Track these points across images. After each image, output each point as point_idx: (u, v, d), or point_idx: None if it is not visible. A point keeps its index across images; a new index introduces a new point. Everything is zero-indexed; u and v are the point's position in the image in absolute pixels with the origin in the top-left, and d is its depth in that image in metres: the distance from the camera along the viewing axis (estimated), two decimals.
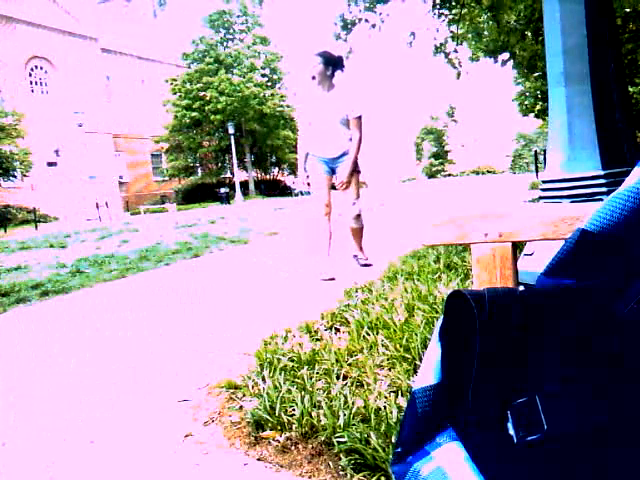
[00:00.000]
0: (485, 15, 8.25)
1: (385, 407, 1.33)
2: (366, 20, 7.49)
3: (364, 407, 1.35)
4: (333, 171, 3.71)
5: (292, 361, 1.75)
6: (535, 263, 1.75)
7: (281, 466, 1.22)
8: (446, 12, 8.05)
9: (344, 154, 3.64)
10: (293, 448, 1.28)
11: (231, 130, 25.34)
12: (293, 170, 33.37)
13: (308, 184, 3.80)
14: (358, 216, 3.78)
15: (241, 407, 1.54)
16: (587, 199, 1.92)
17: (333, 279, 3.48)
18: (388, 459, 1.09)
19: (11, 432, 1.57)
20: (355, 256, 4.00)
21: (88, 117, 26.27)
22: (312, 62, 3.59)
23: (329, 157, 3.67)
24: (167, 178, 31.06)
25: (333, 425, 1.27)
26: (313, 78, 3.59)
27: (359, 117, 3.59)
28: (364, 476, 1.12)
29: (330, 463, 1.20)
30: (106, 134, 28.08)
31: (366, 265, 3.84)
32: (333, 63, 3.61)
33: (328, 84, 3.61)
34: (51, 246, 7.84)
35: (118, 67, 30.51)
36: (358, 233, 3.89)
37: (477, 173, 48.10)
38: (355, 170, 3.67)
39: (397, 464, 0.51)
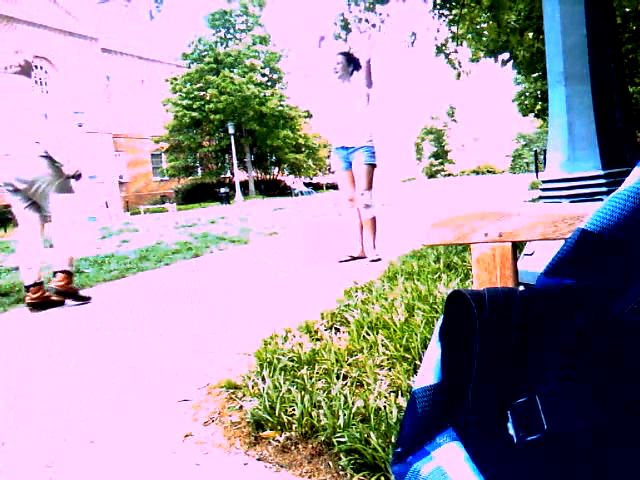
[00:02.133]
0: (485, 15, 8.24)
1: (385, 407, 1.33)
2: (366, 20, 7.48)
3: (364, 407, 1.35)
4: (351, 164, 4.09)
5: (292, 361, 1.75)
6: (535, 263, 1.75)
7: (281, 466, 1.23)
8: (446, 12, 8.04)
9: (358, 148, 4.00)
10: (293, 448, 1.28)
11: (231, 130, 25.35)
12: (293, 170, 33.40)
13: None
14: (367, 206, 4.04)
15: (241, 407, 1.54)
16: (587, 199, 1.92)
17: (355, 258, 4.12)
18: (388, 459, 1.09)
19: (11, 432, 1.57)
20: (353, 257, 4.10)
21: (88, 117, 26.27)
22: (335, 60, 4.06)
23: (346, 145, 4.05)
24: (167, 178, 31.07)
25: (333, 425, 1.27)
26: (336, 72, 4.06)
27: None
28: (364, 476, 1.12)
29: (330, 463, 1.20)
30: (106, 134, 28.07)
31: (374, 260, 4.00)
32: (353, 62, 4.09)
33: (347, 80, 4.07)
34: (51, 246, 7.83)
35: (118, 67, 30.51)
36: (369, 224, 4.10)
37: (477, 173, 48.14)
38: (370, 164, 4.03)
39: (397, 464, 0.51)
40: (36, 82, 25.43)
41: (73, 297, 3.51)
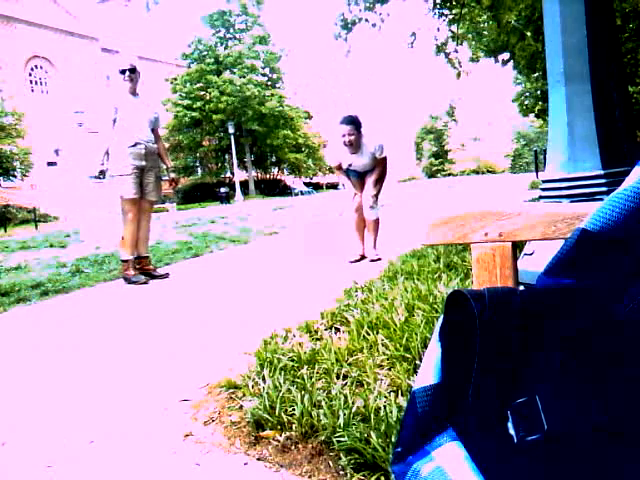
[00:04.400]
0: (485, 15, 8.25)
1: (385, 407, 1.33)
2: (366, 20, 7.49)
3: (364, 407, 1.35)
4: (363, 176, 4.25)
5: (292, 361, 1.76)
6: (535, 263, 1.75)
7: (281, 466, 1.23)
8: (446, 12, 8.05)
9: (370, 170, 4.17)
10: (293, 448, 1.28)
11: (231, 130, 25.36)
12: (293, 170, 33.40)
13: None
14: (372, 207, 4.15)
15: (241, 407, 1.54)
16: (587, 199, 1.92)
17: (364, 257, 4.22)
18: (388, 459, 1.09)
19: (11, 432, 1.57)
20: (363, 256, 4.24)
21: (88, 117, 26.25)
22: (343, 130, 3.95)
23: (361, 172, 4.21)
24: (167, 178, 31.02)
25: (333, 425, 1.27)
26: (350, 145, 3.98)
27: (383, 158, 4.12)
28: (364, 476, 1.12)
29: (330, 463, 1.20)
30: None
31: (373, 260, 4.07)
32: (360, 125, 4.01)
33: (359, 146, 4.04)
34: (51, 246, 7.84)
35: (118, 67, 30.47)
36: (372, 226, 4.21)
37: (477, 173, 48.12)
38: (383, 171, 4.21)
39: (397, 464, 0.51)
40: (36, 82, 25.48)
41: (151, 276, 4.20)
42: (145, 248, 4.32)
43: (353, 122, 3.93)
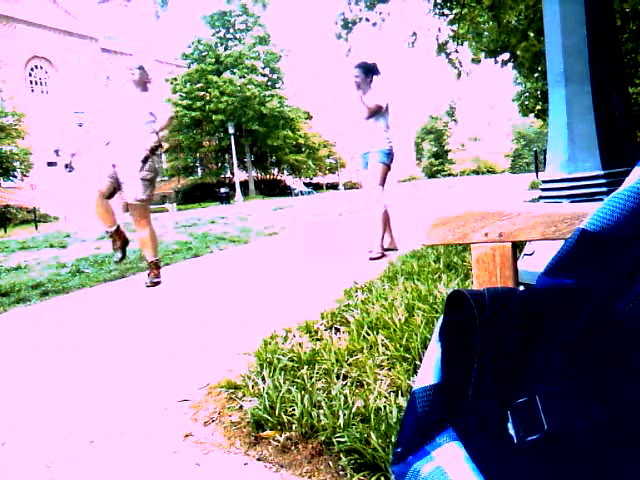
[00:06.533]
0: (485, 15, 8.24)
1: (385, 407, 1.33)
2: (367, 19, 7.49)
3: (364, 407, 1.35)
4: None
5: (292, 361, 1.75)
6: (535, 263, 1.75)
7: (281, 466, 1.23)
8: (447, 12, 8.05)
9: (374, 150, 4.17)
10: (293, 448, 1.28)
11: (231, 130, 25.37)
12: (293, 170, 33.44)
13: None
14: (378, 201, 4.16)
15: (241, 407, 1.54)
16: (587, 199, 1.92)
17: (384, 256, 4.08)
18: (388, 459, 1.09)
19: (11, 432, 1.57)
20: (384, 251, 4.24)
21: (88, 117, 26.24)
22: (353, 73, 4.14)
23: (364, 152, 4.26)
24: (167, 178, 31.05)
25: (333, 425, 1.27)
26: (358, 87, 4.12)
27: (377, 106, 4.10)
28: (364, 476, 1.12)
29: (330, 463, 1.20)
30: None
31: (373, 259, 4.03)
32: (371, 71, 4.16)
33: (369, 89, 4.13)
34: (51, 246, 7.84)
35: (118, 67, 30.49)
36: (378, 220, 4.20)
37: (477, 173, 48.14)
38: (383, 162, 4.18)
39: (397, 464, 0.51)
40: (36, 82, 25.49)
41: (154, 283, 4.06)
42: (151, 253, 4.09)
43: (360, 66, 4.14)
